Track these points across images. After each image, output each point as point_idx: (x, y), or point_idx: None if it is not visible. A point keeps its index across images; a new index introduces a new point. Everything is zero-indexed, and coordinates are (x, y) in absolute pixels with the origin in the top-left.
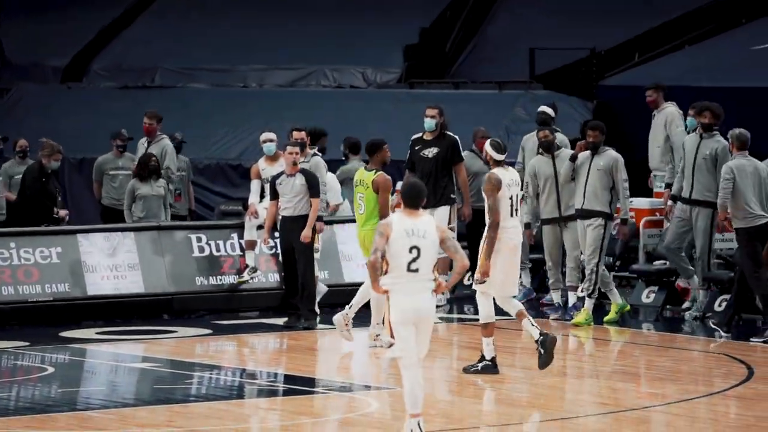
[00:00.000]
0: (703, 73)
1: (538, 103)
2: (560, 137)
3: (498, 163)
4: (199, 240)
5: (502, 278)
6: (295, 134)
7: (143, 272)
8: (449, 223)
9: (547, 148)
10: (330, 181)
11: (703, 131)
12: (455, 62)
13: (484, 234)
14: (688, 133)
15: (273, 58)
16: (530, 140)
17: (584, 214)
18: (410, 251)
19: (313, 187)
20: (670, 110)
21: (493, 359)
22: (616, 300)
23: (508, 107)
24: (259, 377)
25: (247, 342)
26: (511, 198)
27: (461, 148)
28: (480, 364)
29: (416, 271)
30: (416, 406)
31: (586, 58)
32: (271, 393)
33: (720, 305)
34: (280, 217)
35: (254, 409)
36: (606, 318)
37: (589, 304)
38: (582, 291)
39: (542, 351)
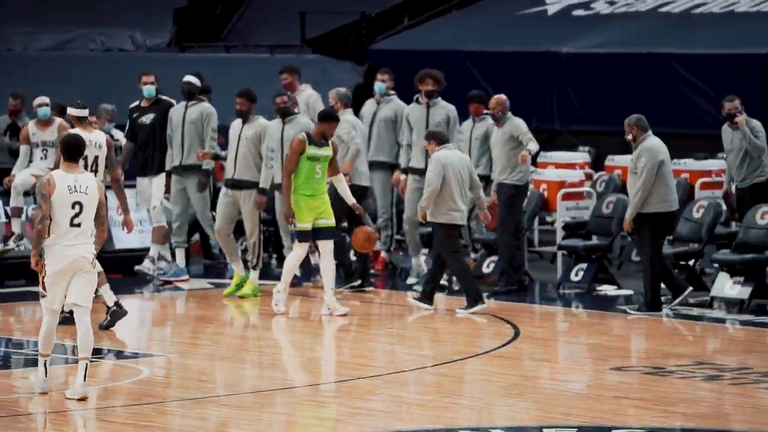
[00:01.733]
0: (469, 37)
1: (310, 67)
2: (209, 108)
3: (80, 122)
4: None
5: None
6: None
7: None
8: (166, 191)
9: (283, 113)
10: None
11: (428, 99)
12: (227, 26)
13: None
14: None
15: (38, 21)
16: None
17: (235, 184)
18: (73, 207)
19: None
20: (309, 93)
21: (116, 302)
22: (239, 272)
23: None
24: (27, 347)
25: (14, 311)
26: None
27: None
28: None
29: (78, 225)
30: (47, 348)
31: (356, 21)
32: None
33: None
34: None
35: (22, 379)
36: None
37: (254, 275)
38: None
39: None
